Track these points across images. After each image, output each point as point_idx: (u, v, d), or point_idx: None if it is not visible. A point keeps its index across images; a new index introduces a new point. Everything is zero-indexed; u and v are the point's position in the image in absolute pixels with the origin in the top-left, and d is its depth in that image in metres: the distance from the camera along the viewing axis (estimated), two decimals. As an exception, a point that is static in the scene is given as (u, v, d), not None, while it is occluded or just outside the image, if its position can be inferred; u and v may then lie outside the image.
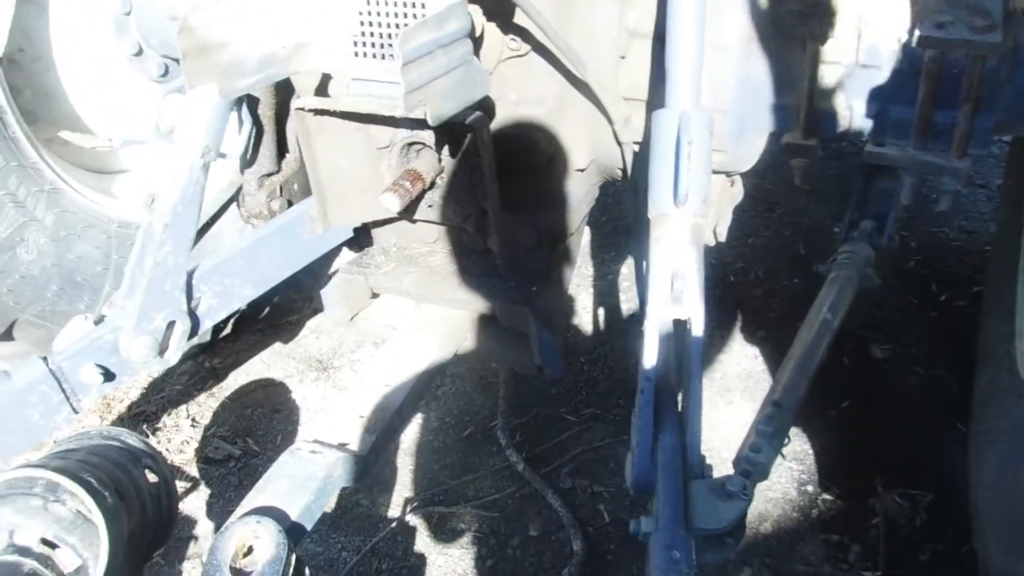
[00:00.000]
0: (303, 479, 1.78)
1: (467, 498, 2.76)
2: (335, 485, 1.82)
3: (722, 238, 2.31)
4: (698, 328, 1.64)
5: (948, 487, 2.62)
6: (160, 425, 3.19)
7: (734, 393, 3.06)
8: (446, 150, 1.96)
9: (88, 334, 2.08)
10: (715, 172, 2.25)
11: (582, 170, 2.17)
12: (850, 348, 3.10)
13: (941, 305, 3.34)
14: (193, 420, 3.22)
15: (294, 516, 1.72)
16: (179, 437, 3.14)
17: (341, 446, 1.91)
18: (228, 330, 3.44)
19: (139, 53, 2.84)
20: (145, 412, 3.22)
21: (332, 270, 2.53)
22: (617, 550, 2.53)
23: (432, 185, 2.04)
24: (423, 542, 2.63)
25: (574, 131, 2.12)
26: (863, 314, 3.24)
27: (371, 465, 1.91)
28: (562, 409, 3.05)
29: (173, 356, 2.20)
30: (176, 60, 2.97)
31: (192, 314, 2.21)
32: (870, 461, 2.72)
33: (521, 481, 2.78)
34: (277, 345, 3.51)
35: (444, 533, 2.65)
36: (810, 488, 2.65)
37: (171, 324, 2.16)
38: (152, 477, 1.98)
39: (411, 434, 3.04)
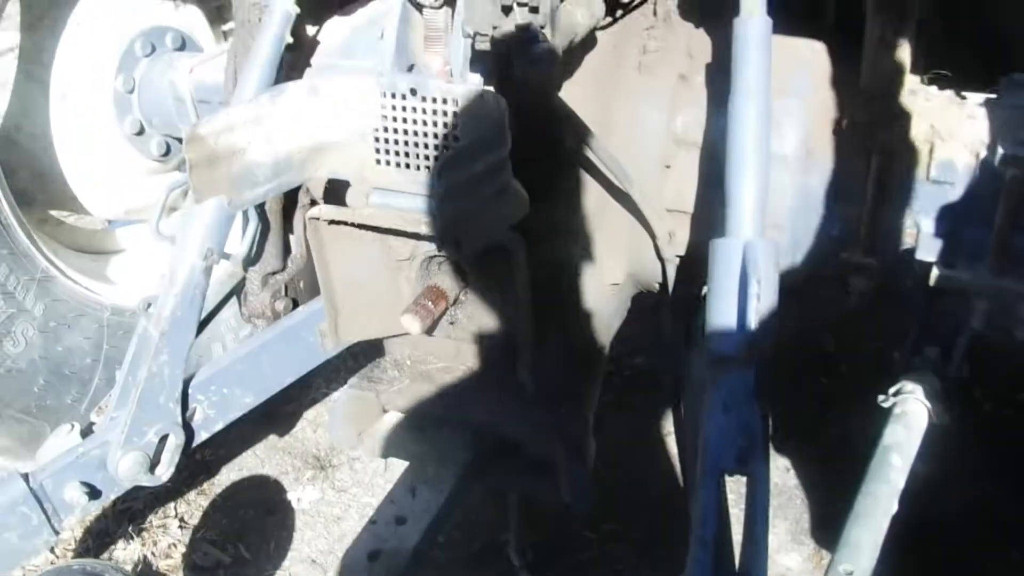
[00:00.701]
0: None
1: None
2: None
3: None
4: (764, 490, 1.44)
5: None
6: (147, 525, 2.95)
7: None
8: (473, 265, 1.78)
9: (74, 449, 1.90)
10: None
11: (617, 284, 1.99)
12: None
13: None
14: (182, 520, 2.99)
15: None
16: (166, 540, 2.90)
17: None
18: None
19: (140, 132, 2.70)
20: (131, 509, 2.99)
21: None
22: None
23: (456, 301, 1.86)
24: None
25: (611, 244, 1.94)
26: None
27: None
28: (577, 525, 2.82)
29: (164, 473, 2.02)
30: (178, 139, 2.83)
31: (187, 426, 2.02)
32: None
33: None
34: (272, 438, 3.29)
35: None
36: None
37: (164, 438, 1.97)
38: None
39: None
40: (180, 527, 2.96)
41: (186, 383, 2.01)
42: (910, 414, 1.94)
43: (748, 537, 1.45)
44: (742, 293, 1.47)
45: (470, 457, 2.00)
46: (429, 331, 1.86)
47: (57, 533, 1.88)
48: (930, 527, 2.67)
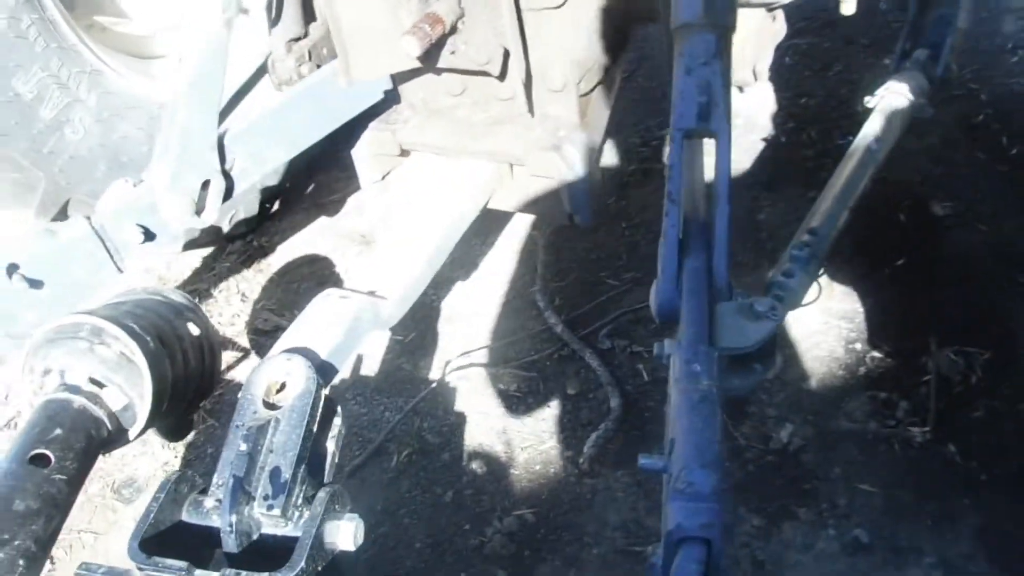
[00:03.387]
0: (332, 322, 1.81)
1: (506, 360, 2.79)
2: (364, 328, 1.84)
3: (763, 78, 2.22)
4: (725, 145, 1.58)
5: (1008, 344, 2.52)
6: (212, 300, 3.28)
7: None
8: (464, -11, 1.90)
9: (127, 195, 2.12)
10: (753, 3, 2.15)
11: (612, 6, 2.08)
12: (908, 205, 2.98)
13: (1012, 160, 3.16)
14: (243, 295, 3.29)
15: (323, 355, 1.75)
16: (230, 311, 3.22)
17: (370, 294, 1.93)
18: (276, 207, 3.49)
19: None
20: (198, 289, 3.31)
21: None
22: (655, 407, 2.53)
23: (454, 30, 1.99)
24: (463, 401, 2.68)
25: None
26: (922, 170, 3.10)
27: (399, 311, 1.92)
28: (602, 273, 3.03)
29: (210, 215, 2.22)
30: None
31: (227, 175, 2.23)
32: (925, 320, 2.62)
33: (560, 343, 2.79)
34: (322, 221, 3.55)
35: (483, 393, 2.69)
36: (858, 346, 2.60)
37: (206, 184, 2.18)
38: (195, 330, 2.04)
39: (450, 300, 3.07)
40: (242, 300, 3.27)
41: (221, 136, 2.21)
42: (892, 108, 2.04)
43: (713, 191, 1.61)
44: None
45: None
46: (429, 58, 2.00)
47: (121, 271, 2.12)
48: (945, 263, 2.80)
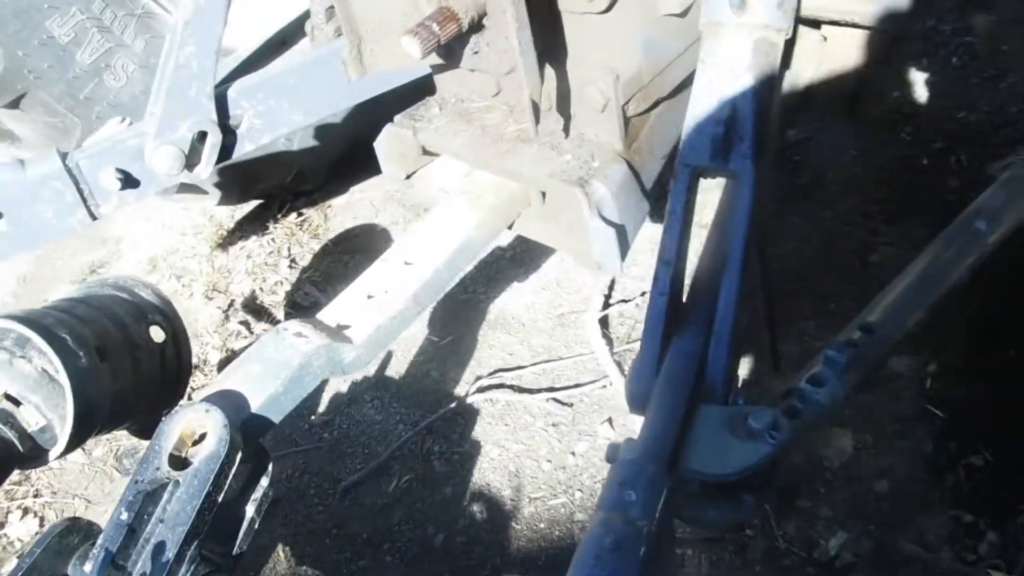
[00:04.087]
0: (277, 366, 1.56)
1: (541, 387, 2.47)
2: (314, 376, 1.58)
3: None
4: (747, 193, 1.20)
5: None
6: (260, 262, 3.12)
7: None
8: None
9: (113, 136, 1.91)
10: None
11: (679, 16, 1.67)
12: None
13: None
14: (292, 261, 3.12)
15: (256, 406, 1.51)
16: (275, 277, 3.05)
17: (339, 329, 1.66)
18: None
19: None
20: (247, 248, 3.16)
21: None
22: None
23: (479, 27, 1.64)
24: (483, 428, 2.40)
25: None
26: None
27: (363, 358, 1.65)
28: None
29: (203, 170, 1.97)
30: None
31: (228, 129, 1.97)
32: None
33: (603, 375, 2.44)
34: (387, 191, 3.30)
35: (507, 422, 2.40)
36: (952, 446, 2.12)
37: (203, 136, 1.94)
38: (158, 335, 1.85)
39: (500, 302, 2.77)
40: (290, 267, 3.10)
41: (226, 85, 1.96)
42: (1018, 180, 1.55)
43: (726, 254, 1.23)
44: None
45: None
46: (452, 57, 1.68)
47: (94, 218, 1.88)
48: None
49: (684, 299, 1.35)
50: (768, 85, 1.22)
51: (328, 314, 1.72)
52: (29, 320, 1.57)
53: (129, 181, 1.88)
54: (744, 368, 2.37)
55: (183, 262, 3.20)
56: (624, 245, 1.77)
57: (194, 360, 2.74)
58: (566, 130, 1.75)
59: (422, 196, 2.11)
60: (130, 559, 1.34)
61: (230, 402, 1.49)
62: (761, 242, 2.14)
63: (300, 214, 3.29)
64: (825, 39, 1.75)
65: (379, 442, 2.44)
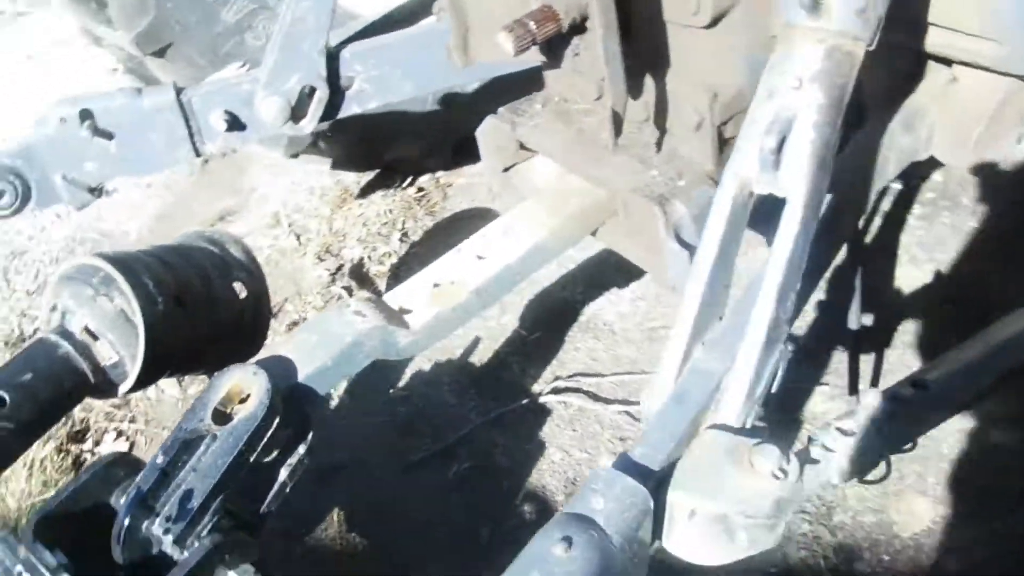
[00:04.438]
0: (331, 339, 1.59)
1: (616, 398, 2.42)
2: (365, 355, 1.61)
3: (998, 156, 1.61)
4: (795, 210, 1.12)
5: None
6: (374, 231, 3.19)
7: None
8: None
9: (229, 79, 1.99)
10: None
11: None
12: None
13: None
14: (404, 234, 3.18)
15: (303, 375, 1.55)
16: (384, 248, 3.12)
17: (400, 312, 1.68)
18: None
19: None
20: (364, 215, 3.24)
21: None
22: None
23: (581, 29, 1.61)
24: (550, 430, 2.37)
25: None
26: None
27: (418, 345, 1.66)
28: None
29: (308, 124, 2.00)
30: None
31: (337, 88, 2.00)
32: None
33: (681, 400, 2.36)
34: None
35: (575, 428, 2.37)
36: None
37: (312, 91, 1.98)
38: (241, 291, 1.93)
39: (595, 305, 2.72)
40: (400, 240, 3.16)
41: (340, 45, 1.98)
42: None
43: (763, 278, 1.16)
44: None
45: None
46: (554, 56, 1.66)
47: (198, 154, 1.96)
48: None
49: (722, 317, 1.30)
50: (836, 99, 1.13)
51: (393, 296, 1.75)
52: (117, 260, 1.66)
53: (236, 124, 1.92)
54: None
55: (304, 221, 3.32)
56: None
57: (294, 317, 2.86)
58: (659, 144, 1.70)
59: (517, 191, 2.10)
60: (159, 500, 1.40)
61: (280, 368, 1.54)
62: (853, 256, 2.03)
63: (420, 189, 3.34)
64: (955, 79, 1.61)
65: (449, 425, 2.45)
